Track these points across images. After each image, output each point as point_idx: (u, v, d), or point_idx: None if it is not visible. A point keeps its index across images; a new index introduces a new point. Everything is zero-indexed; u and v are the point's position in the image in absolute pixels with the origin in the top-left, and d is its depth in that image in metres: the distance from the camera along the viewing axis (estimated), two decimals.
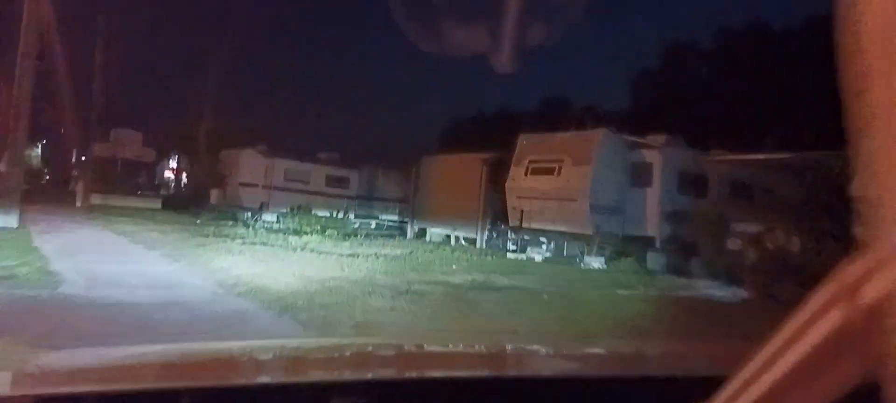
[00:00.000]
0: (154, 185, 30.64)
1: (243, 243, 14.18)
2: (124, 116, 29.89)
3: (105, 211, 21.29)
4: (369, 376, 1.35)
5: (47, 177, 38.91)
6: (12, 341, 4.00)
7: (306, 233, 17.98)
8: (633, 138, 14.58)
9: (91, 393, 1.05)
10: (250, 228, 18.15)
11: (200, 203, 23.56)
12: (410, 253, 14.58)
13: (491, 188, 15.61)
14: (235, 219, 21.71)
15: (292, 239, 15.95)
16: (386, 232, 21.80)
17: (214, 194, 24.15)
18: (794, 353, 0.42)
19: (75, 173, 29.29)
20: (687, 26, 64.59)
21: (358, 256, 12.68)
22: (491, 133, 24.49)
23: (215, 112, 32.65)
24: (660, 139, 14.12)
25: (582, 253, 14.07)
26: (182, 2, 54.51)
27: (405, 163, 26.17)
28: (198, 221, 19.63)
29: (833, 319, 0.40)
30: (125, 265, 9.91)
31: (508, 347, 1.90)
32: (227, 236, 15.54)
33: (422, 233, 19.76)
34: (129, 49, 39.62)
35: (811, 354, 0.41)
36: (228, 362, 1.43)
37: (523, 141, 14.79)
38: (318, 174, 24.65)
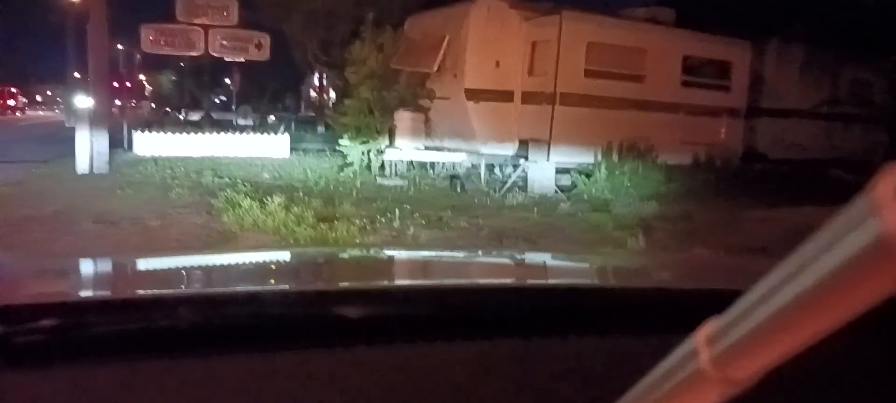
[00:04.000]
0: (262, 116, 16.85)
1: None
2: None
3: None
4: (372, 284, 1.29)
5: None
6: None
7: None
8: None
9: (87, 301, 0.99)
10: None
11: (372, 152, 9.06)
12: None
13: None
14: (467, 206, 7.10)
15: None
16: None
17: (405, 128, 9.51)
18: (827, 262, 0.38)
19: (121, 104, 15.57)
20: None
21: None
22: None
23: None
24: None
25: None
26: None
27: None
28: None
29: (871, 227, 0.36)
30: None
31: (517, 255, 1.89)
32: None
33: None
34: None
35: (846, 264, 0.37)
36: (229, 269, 1.44)
37: None
38: (663, 53, 9.27)
